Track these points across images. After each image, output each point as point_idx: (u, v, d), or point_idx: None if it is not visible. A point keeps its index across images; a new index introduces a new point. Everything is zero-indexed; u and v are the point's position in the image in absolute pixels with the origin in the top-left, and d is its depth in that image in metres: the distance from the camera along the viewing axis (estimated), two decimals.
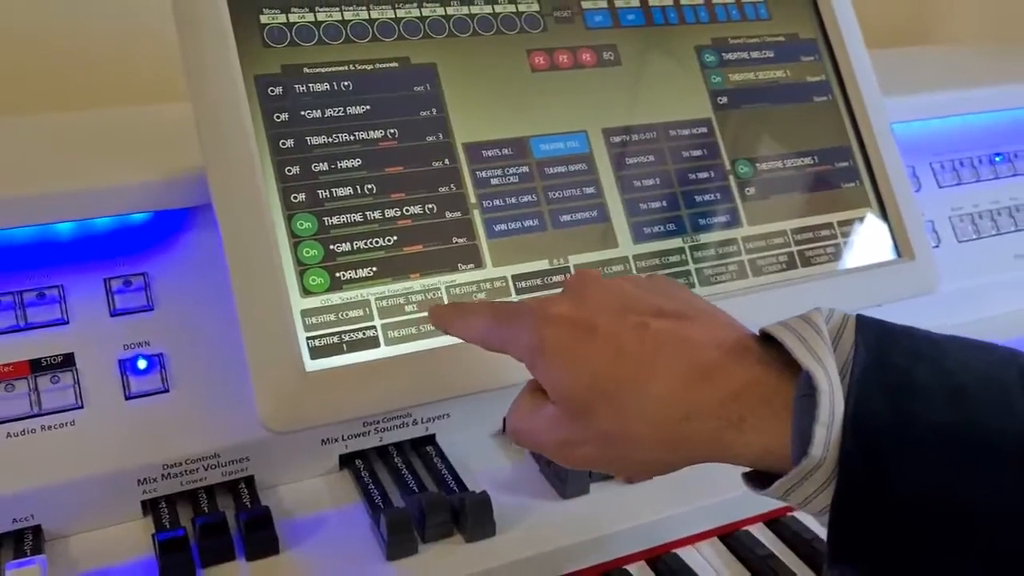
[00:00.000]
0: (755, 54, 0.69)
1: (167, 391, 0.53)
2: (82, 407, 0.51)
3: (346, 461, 0.58)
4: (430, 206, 0.56)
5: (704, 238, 0.63)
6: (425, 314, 0.54)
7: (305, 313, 0.52)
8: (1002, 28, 1.07)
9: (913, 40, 1.09)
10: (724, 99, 0.66)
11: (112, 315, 0.53)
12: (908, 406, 0.32)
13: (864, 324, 0.36)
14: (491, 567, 0.51)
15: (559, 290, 0.44)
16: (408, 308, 0.54)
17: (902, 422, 0.32)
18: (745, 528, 0.57)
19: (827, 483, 0.33)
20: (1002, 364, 0.34)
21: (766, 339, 0.37)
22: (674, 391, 0.37)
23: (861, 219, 0.68)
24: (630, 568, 0.54)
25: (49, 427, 0.51)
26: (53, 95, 0.72)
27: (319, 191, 0.54)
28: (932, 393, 0.33)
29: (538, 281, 0.58)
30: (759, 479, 0.37)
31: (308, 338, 0.51)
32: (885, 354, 0.34)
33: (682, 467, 0.39)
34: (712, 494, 0.56)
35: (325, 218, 0.54)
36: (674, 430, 0.37)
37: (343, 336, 0.52)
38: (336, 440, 0.57)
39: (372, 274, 0.54)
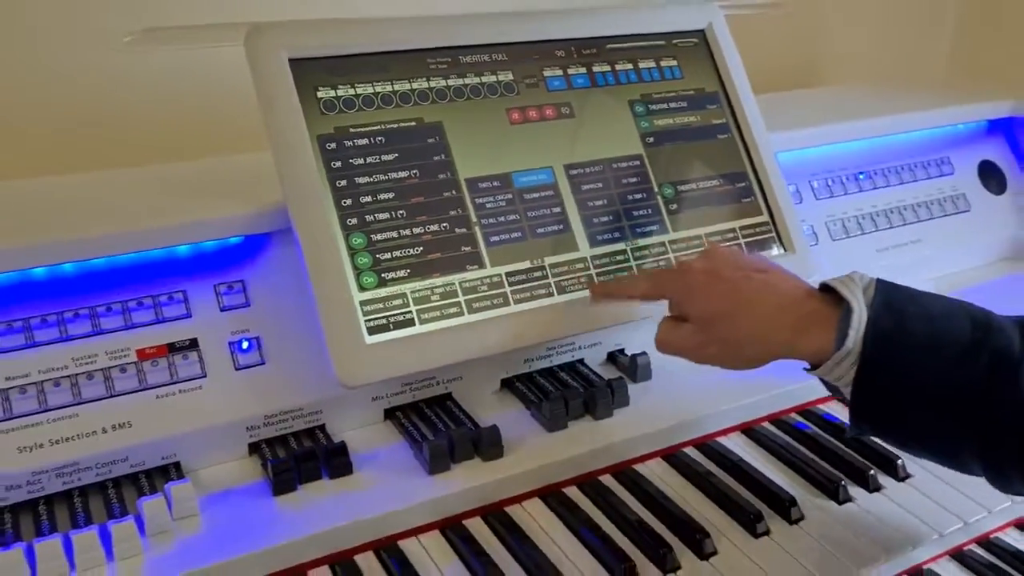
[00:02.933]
0: (673, 105, 0.92)
1: (264, 363, 0.74)
2: (205, 376, 0.72)
3: (389, 414, 0.79)
4: (444, 224, 0.78)
5: (641, 242, 0.85)
6: (443, 300, 0.75)
7: (363, 303, 0.73)
8: (872, 72, 1.33)
9: (807, 82, 1.34)
10: (651, 139, 0.89)
11: (221, 310, 0.74)
12: (901, 323, 0.60)
13: (880, 281, 0.64)
14: (502, 478, 0.72)
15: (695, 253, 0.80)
16: (433, 298, 0.75)
17: (898, 330, 0.60)
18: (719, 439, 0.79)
19: (852, 365, 0.60)
20: (953, 304, 0.62)
21: (822, 288, 0.66)
22: (768, 315, 0.66)
23: (756, 224, 0.91)
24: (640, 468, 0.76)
25: (183, 391, 0.71)
26: (159, 148, 0.91)
27: (366, 216, 0.75)
28: (915, 317, 0.61)
29: (523, 276, 0.79)
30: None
31: (366, 321, 0.73)
32: (891, 296, 0.63)
33: (768, 362, 0.68)
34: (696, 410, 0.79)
35: (372, 235, 0.75)
36: (766, 338, 0.65)
37: (389, 319, 0.73)
38: (382, 397, 0.78)
39: (407, 275, 0.75)
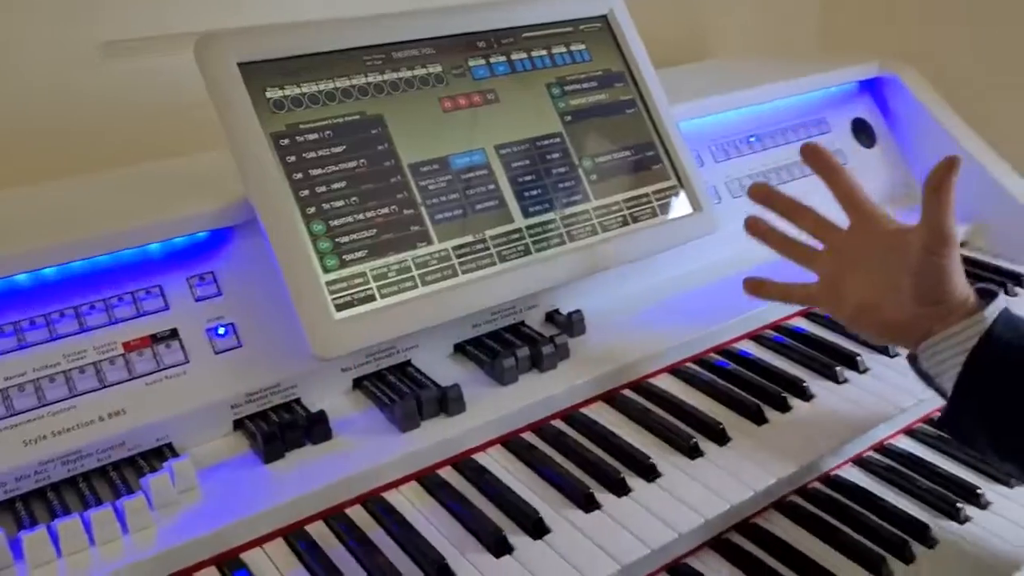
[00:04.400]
0: (585, 85, 1.01)
1: (240, 346, 0.80)
2: (188, 362, 0.78)
3: (357, 383, 0.86)
4: (393, 207, 0.86)
5: (567, 211, 0.95)
6: (399, 276, 0.83)
7: (328, 284, 0.80)
8: (753, 45, 1.46)
9: (692, 55, 1.46)
10: (569, 117, 0.99)
11: (196, 301, 0.80)
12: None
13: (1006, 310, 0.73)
14: (467, 429, 0.81)
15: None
16: (390, 275, 0.83)
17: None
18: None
19: (975, 335, 0.70)
20: None
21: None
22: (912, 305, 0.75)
23: (666, 188, 1.02)
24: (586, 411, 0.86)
25: (169, 377, 0.77)
26: (121, 154, 0.95)
27: (323, 204, 0.82)
28: None
29: (467, 249, 0.88)
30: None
31: (332, 300, 0.80)
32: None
33: (901, 343, 0.78)
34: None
35: (329, 222, 0.82)
36: (908, 322, 0.75)
37: (353, 296, 0.81)
38: (350, 368, 0.85)
39: (365, 255, 0.83)
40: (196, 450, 0.78)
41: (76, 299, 0.76)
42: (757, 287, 0.91)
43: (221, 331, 0.80)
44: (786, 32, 1.54)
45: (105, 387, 0.75)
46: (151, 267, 0.79)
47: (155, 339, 0.77)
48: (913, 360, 0.78)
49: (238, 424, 0.80)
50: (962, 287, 0.74)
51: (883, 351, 0.97)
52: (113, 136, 0.97)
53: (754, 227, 0.92)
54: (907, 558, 0.77)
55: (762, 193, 0.90)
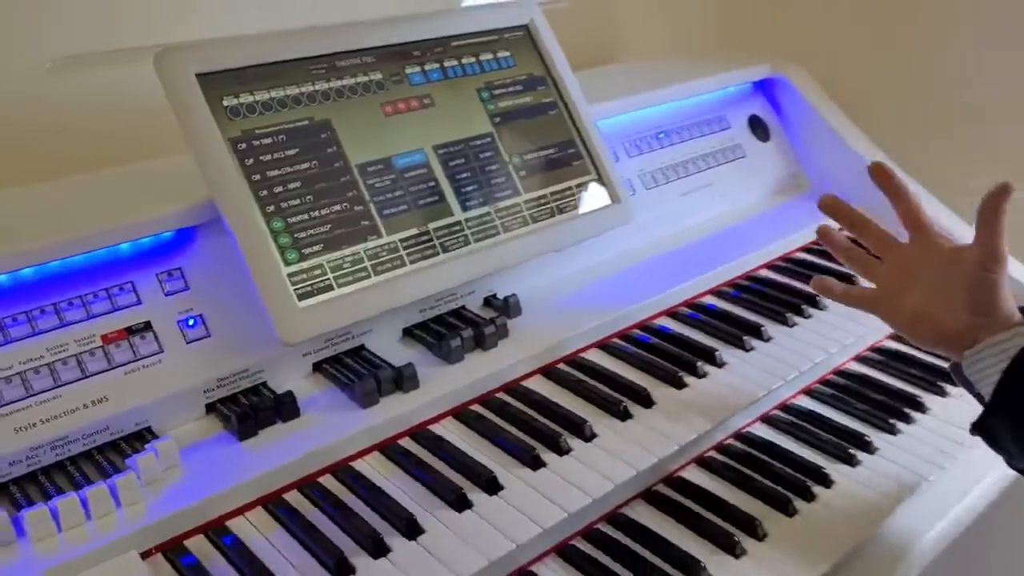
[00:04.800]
0: (511, 89, 1.11)
1: (209, 336, 0.87)
2: (162, 351, 0.84)
3: (316, 367, 0.94)
4: (344, 204, 0.93)
5: (501, 204, 1.04)
6: (353, 267, 0.91)
7: (290, 276, 0.87)
8: (657, 49, 1.57)
9: (601, 59, 1.57)
10: (498, 119, 1.08)
11: (166, 295, 0.86)
12: None
13: None
14: (422, 404, 0.89)
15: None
16: (345, 266, 0.91)
17: None
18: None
19: (1013, 348, 0.75)
20: None
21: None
22: (965, 316, 0.81)
23: (587, 182, 1.12)
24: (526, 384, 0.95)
25: (145, 366, 0.83)
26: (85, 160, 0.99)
27: (281, 203, 0.89)
28: None
29: (413, 241, 0.96)
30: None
31: (295, 290, 0.87)
32: None
33: (953, 351, 0.81)
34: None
35: (288, 219, 0.89)
36: (961, 331, 0.80)
37: (313, 286, 0.88)
38: (310, 352, 0.93)
39: (321, 249, 0.90)
40: (173, 433, 0.84)
41: (55, 296, 0.81)
42: (822, 285, 0.96)
43: (191, 322, 0.86)
44: (685, 37, 1.67)
45: (87, 377, 0.80)
46: (122, 265, 0.85)
47: (130, 331, 0.83)
48: (956, 369, 0.82)
49: (210, 408, 0.87)
50: (1010, 302, 0.80)
51: (782, 322, 1.10)
52: (67, 146, 1.01)
53: (824, 235, 0.99)
54: (809, 498, 0.88)
55: (830, 205, 0.97)
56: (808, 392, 1.06)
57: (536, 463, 0.84)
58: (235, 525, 0.77)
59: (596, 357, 1.02)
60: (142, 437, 0.83)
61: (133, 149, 1.02)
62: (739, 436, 0.98)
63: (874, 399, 1.03)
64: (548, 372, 0.99)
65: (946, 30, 1.43)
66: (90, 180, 0.98)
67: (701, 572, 0.78)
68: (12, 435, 0.76)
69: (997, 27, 1.38)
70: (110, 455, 0.81)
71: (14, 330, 0.79)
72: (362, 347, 0.97)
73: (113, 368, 0.82)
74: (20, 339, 0.79)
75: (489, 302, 1.07)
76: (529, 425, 0.90)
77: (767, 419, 1.01)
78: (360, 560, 0.73)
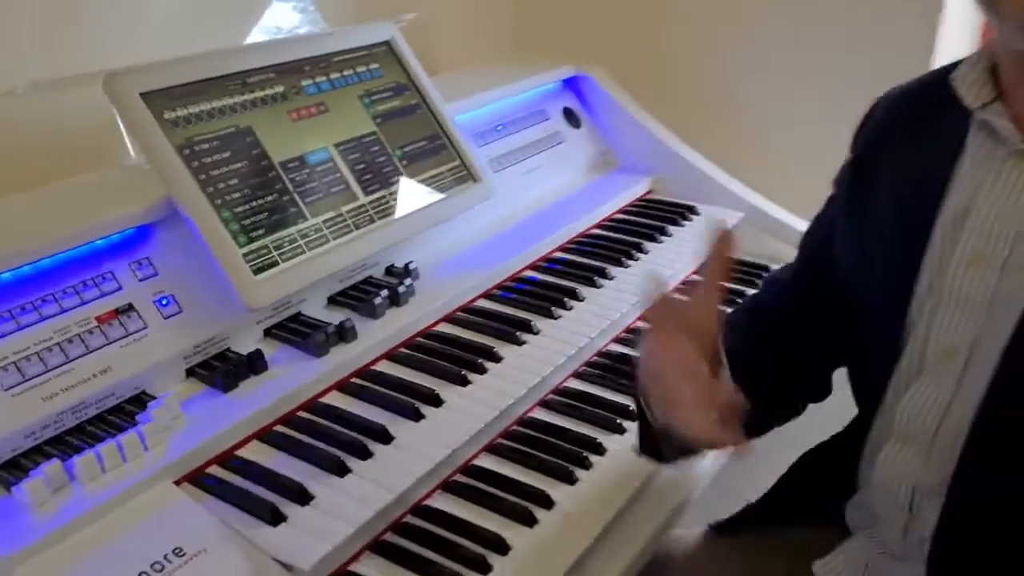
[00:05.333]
0: (385, 94, 1.32)
1: (182, 311, 1.03)
2: (147, 327, 0.99)
3: (267, 332, 1.12)
4: (274, 195, 1.12)
5: (393, 188, 1.26)
6: (291, 245, 1.10)
7: (244, 256, 1.05)
8: (473, 58, 1.84)
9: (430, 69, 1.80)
10: (379, 120, 1.30)
11: (140, 281, 1.01)
12: None
13: None
14: (363, 349, 1.10)
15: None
16: (284, 245, 1.09)
17: None
18: None
19: None
20: None
21: None
22: None
23: (454, 167, 1.36)
24: (436, 329, 1.17)
25: (135, 340, 0.98)
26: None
27: (226, 197, 1.07)
28: None
29: (331, 221, 1.16)
30: None
31: (250, 267, 1.05)
32: None
33: None
34: None
35: (234, 209, 1.07)
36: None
37: (263, 262, 1.06)
38: (262, 320, 1.11)
39: (264, 232, 1.08)
40: (165, 396, 1.00)
41: (51, 288, 0.95)
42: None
43: (164, 302, 1.02)
44: (496, 46, 1.95)
45: (90, 352, 0.95)
46: (101, 258, 1.00)
47: (118, 312, 0.98)
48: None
49: (189, 372, 1.03)
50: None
51: (549, 315, 1.39)
52: (29, 162, 1.12)
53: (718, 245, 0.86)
54: (586, 466, 1.02)
55: (722, 240, 0.85)
56: (578, 375, 1.21)
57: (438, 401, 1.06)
58: (242, 453, 0.95)
59: (485, 304, 1.27)
60: (140, 400, 0.98)
61: (83, 161, 1.15)
62: (521, 422, 1.11)
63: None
64: (451, 319, 1.23)
65: (711, 30, 1.80)
66: (54, 190, 1.10)
67: (505, 545, 0.91)
68: (40, 403, 0.89)
69: (757, 31, 1.76)
70: (118, 416, 0.95)
71: (22, 318, 0.92)
72: (299, 313, 1.16)
73: (110, 343, 0.96)
74: (31, 324, 0.92)
75: (390, 270, 1.28)
76: (434, 365, 1.12)
77: (544, 403, 1.15)
78: (349, 461, 0.94)
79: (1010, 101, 0.83)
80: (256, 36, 1.46)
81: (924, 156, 0.89)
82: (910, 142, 0.92)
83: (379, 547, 0.92)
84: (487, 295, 1.29)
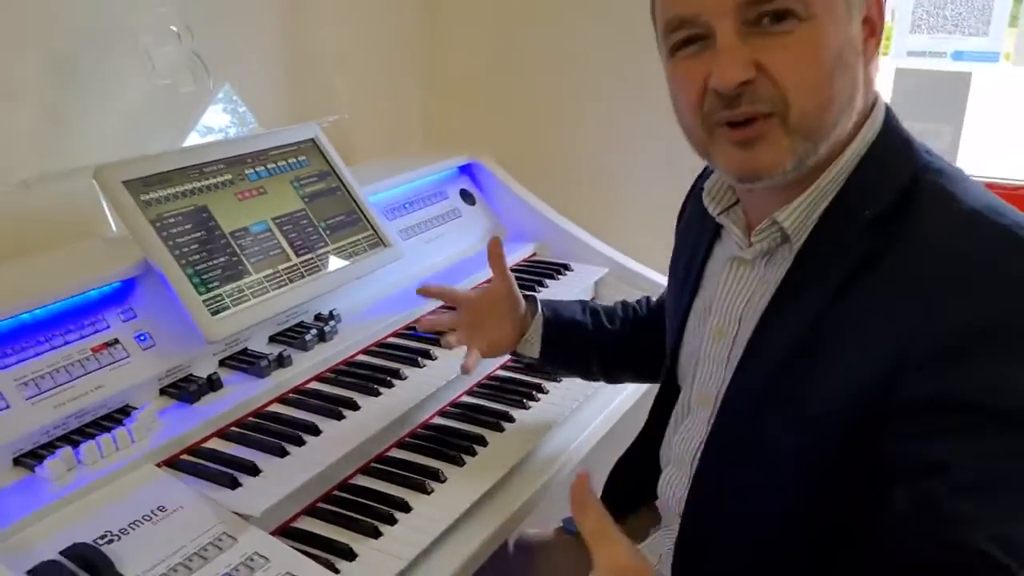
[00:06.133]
0: (311, 179, 1.67)
1: (155, 345, 1.34)
2: (129, 356, 1.30)
3: (222, 362, 1.43)
4: (225, 257, 1.45)
5: (319, 251, 1.60)
6: (239, 294, 1.42)
7: (204, 301, 1.37)
8: (380, 149, 2.21)
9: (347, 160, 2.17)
10: (307, 199, 1.64)
11: (123, 322, 1.32)
12: None
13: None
14: (300, 370, 1.42)
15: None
16: (235, 294, 1.42)
17: None
18: None
19: None
20: None
21: None
22: None
23: (368, 235, 1.70)
24: (358, 358, 1.49)
25: (121, 366, 1.29)
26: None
27: (190, 258, 1.39)
28: None
29: (271, 275, 1.49)
30: None
31: (208, 309, 1.37)
32: None
33: None
34: None
35: (195, 267, 1.39)
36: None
37: (219, 306, 1.39)
38: (217, 353, 1.42)
39: (219, 285, 1.41)
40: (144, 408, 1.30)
41: (59, 326, 1.25)
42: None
43: (143, 337, 1.33)
44: (400, 135, 2.34)
45: (88, 373, 1.25)
46: (95, 305, 1.31)
47: (108, 345, 1.29)
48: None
49: (162, 391, 1.34)
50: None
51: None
52: (33, 235, 1.44)
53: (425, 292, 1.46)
54: (460, 463, 1.38)
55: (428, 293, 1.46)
56: (468, 392, 1.66)
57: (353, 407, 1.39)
58: (208, 444, 1.26)
59: (397, 340, 1.60)
60: (125, 410, 1.28)
61: (76, 234, 1.47)
62: (424, 425, 1.58)
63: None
64: (368, 351, 1.56)
65: (582, 120, 2.20)
66: (57, 255, 1.41)
67: (403, 510, 1.22)
68: (52, 409, 1.19)
69: (624, 121, 2.16)
70: (110, 421, 1.25)
71: (39, 347, 1.22)
72: (246, 348, 1.48)
73: (102, 367, 1.27)
74: (44, 352, 1.22)
75: (318, 316, 1.61)
76: (361, 375, 1.45)
77: (441, 412, 1.55)
78: (288, 447, 1.25)
79: (745, 208, 1.05)
80: (200, 133, 1.80)
81: (694, 247, 1.16)
82: (691, 231, 1.19)
83: (312, 511, 1.23)
84: (395, 334, 1.63)
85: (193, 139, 1.77)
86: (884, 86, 2.36)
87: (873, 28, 0.93)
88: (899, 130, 0.97)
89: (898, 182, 0.91)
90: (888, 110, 0.98)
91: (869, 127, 0.95)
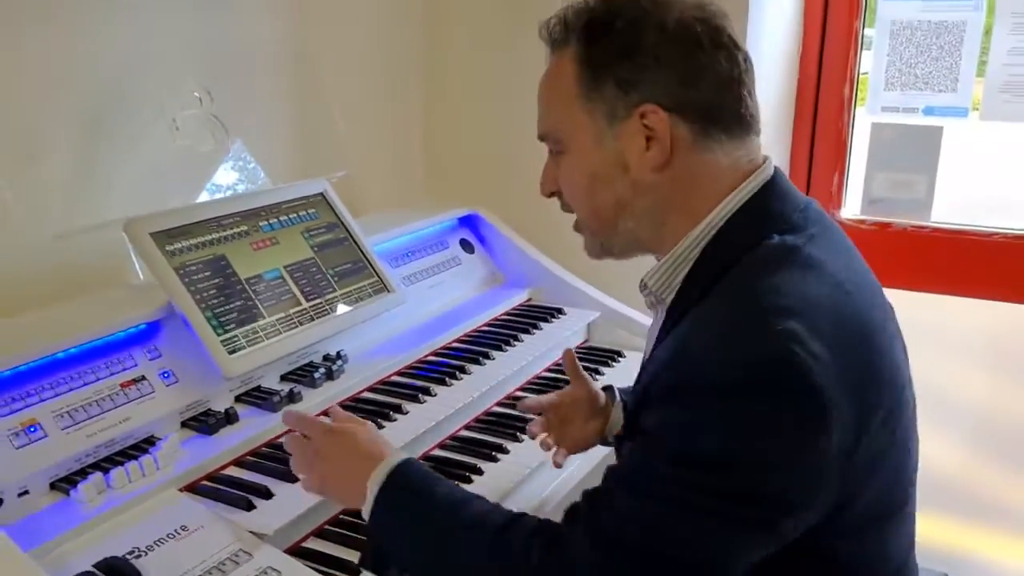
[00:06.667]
0: (321, 230, 1.81)
1: (178, 382, 1.46)
2: (154, 392, 1.43)
3: (237, 398, 1.55)
4: (241, 301, 1.58)
5: (327, 296, 1.72)
6: (254, 335, 1.55)
7: (221, 341, 1.50)
8: (386, 202, 2.35)
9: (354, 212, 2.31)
10: (317, 248, 1.77)
11: (150, 360, 1.45)
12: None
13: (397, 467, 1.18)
14: (311, 405, 1.54)
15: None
16: (250, 335, 1.54)
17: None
18: None
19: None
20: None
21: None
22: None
23: (373, 281, 1.83)
24: (363, 394, 1.61)
25: (147, 400, 1.41)
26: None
27: (209, 302, 1.52)
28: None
29: (283, 318, 1.61)
30: None
31: (225, 348, 1.50)
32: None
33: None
34: None
35: (214, 310, 1.52)
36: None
37: (235, 346, 1.51)
38: (233, 389, 1.54)
39: (235, 326, 1.53)
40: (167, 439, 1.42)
41: (92, 363, 1.38)
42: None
43: (166, 374, 1.46)
44: (404, 188, 2.49)
45: (117, 407, 1.37)
46: (124, 344, 1.44)
47: (135, 381, 1.42)
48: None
49: (183, 424, 1.46)
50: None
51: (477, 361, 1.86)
52: (67, 281, 1.58)
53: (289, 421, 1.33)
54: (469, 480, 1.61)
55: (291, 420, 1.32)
56: (466, 426, 1.80)
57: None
58: (227, 472, 1.37)
59: (400, 377, 1.72)
60: (150, 440, 1.40)
61: (105, 281, 1.60)
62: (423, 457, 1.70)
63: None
64: (374, 388, 1.67)
65: None
66: (89, 300, 1.54)
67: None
68: (85, 439, 1.31)
69: None
70: (134, 452, 1.37)
71: (73, 383, 1.35)
72: (260, 385, 1.60)
73: (130, 402, 1.39)
74: (79, 387, 1.35)
75: (326, 356, 1.73)
76: (369, 412, 1.57)
77: (441, 445, 1.73)
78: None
79: None
80: (210, 191, 1.94)
81: None
82: None
83: (321, 533, 1.34)
84: (398, 373, 1.75)
85: (204, 193, 1.91)
86: (861, 140, 2.51)
87: (650, 142, 1.10)
88: (760, 208, 1.12)
89: (731, 255, 1.09)
90: (765, 187, 1.13)
91: (726, 205, 1.11)
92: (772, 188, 1.13)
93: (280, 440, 1.48)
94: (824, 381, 0.95)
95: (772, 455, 0.96)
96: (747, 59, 1.12)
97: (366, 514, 1.15)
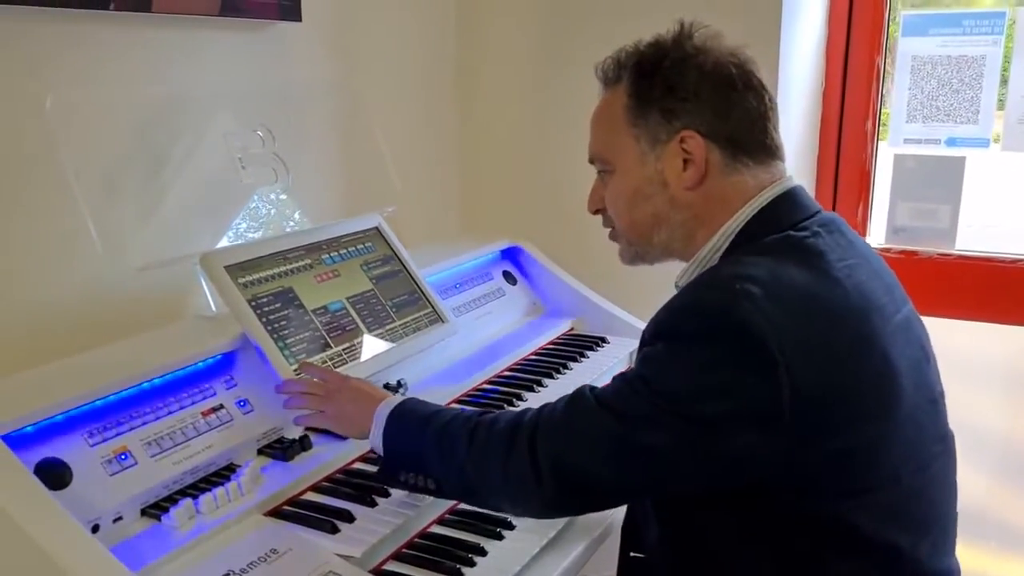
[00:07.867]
0: (377, 263, 1.86)
1: (253, 411, 1.51)
2: (232, 420, 1.47)
3: (307, 428, 1.60)
4: (308, 332, 1.62)
5: (387, 327, 1.77)
6: (323, 364, 1.59)
7: (293, 370, 1.54)
8: (432, 234, 2.41)
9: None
10: (375, 280, 1.83)
11: (227, 389, 1.49)
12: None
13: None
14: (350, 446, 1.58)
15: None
16: (320, 363, 1.59)
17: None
18: None
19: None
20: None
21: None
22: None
23: (427, 313, 1.88)
24: None
25: (227, 428, 1.45)
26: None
27: (281, 333, 1.57)
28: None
29: (348, 348, 1.66)
30: None
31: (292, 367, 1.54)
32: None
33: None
34: None
35: (286, 340, 1.57)
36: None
37: (295, 357, 1.56)
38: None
39: (305, 356, 1.58)
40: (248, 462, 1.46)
41: (175, 393, 1.43)
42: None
43: (243, 403, 1.50)
44: (440, 220, 2.55)
45: (200, 435, 1.42)
46: (203, 374, 1.48)
47: (214, 410, 1.46)
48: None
49: (259, 451, 1.50)
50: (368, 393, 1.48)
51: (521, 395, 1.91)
52: (146, 313, 1.63)
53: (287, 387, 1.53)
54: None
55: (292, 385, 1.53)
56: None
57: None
58: (304, 497, 1.41)
59: (456, 404, 1.77)
60: (230, 467, 1.44)
61: (180, 312, 1.65)
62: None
63: None
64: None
65: None
66: (168, 331, 1.59)
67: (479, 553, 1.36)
68: (172, 466, 1.36)
69: None
70: (215, 478, 1.41)
71: (159, 412, 1.39)
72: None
73: (211, 430, 1.44)
74: (165, 416, 1.39)
75: (387, 384, 1.77)
76: None
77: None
78: (376, 497, 1.41)
79: None
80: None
81: None
82: None
83: (399, 556, 1.38)
84: (457, 401, 1.79)
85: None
86: (884, 171, 2.59)
87: (687, 164, 1.28)
88: (773, 214, 1.27)
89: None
90: (782, 196, 1.28)
91: (744, 212, 1.27)
92: (788, 198, 1.29)
93: (354, 467, 1.52)
94: (769, 337, 1.09)
95: (712, 390, 1.12)
96: (772, 99, 1.30)
97: (376, 437, 1.39)
